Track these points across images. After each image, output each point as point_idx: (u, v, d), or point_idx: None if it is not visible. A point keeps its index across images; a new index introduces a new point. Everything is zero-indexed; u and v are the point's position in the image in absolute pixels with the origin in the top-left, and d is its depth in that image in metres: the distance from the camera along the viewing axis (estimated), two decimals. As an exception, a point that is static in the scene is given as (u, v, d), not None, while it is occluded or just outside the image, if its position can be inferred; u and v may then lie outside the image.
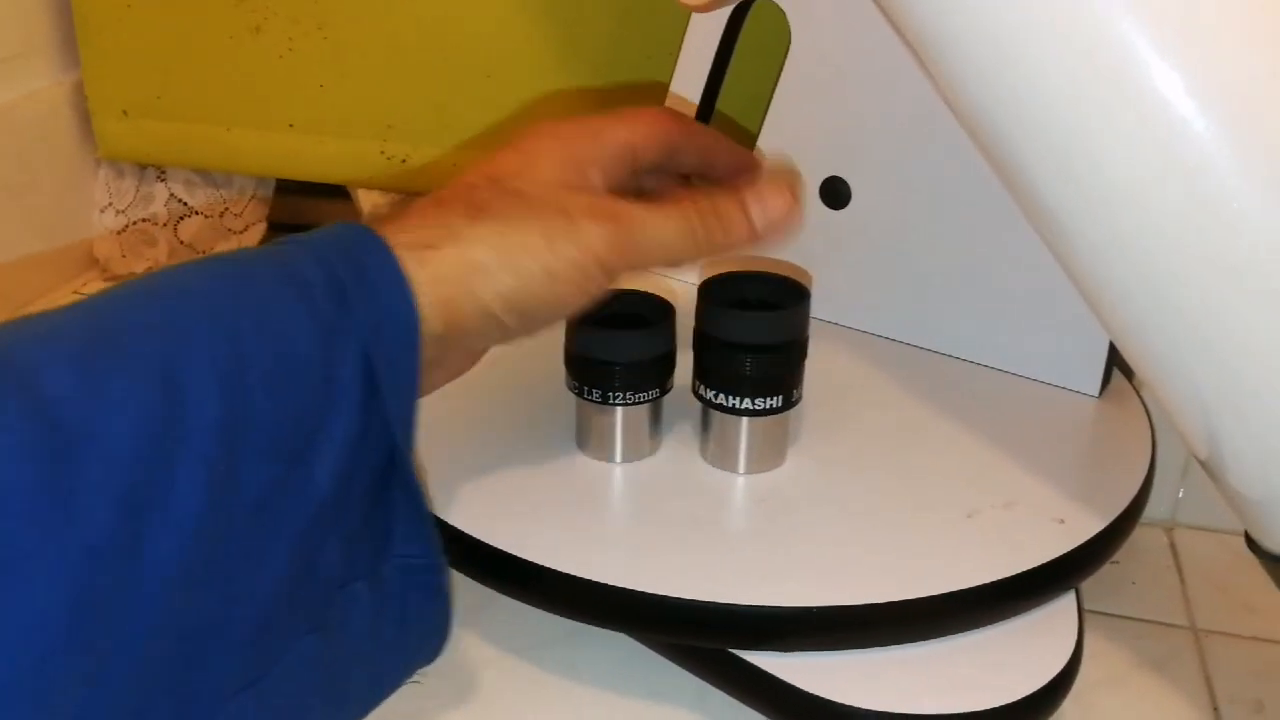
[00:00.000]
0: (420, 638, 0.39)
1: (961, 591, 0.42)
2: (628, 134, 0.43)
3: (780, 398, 0.46)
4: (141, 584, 0.29)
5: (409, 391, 0.36)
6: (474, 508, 0.45)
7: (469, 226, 0.38)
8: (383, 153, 0.72)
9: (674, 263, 0.42)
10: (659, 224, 0.40)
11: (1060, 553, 0.44)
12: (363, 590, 0.36)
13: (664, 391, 0.48)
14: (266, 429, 0.32)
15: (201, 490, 0.30)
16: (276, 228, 0.83)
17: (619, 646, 0.46)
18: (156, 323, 0.32)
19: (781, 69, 0.57)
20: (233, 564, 0.32)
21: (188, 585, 0.30)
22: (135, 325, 0.32)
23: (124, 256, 0.78)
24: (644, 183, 0.45)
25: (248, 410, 0.32)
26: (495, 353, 0.55)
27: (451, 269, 0.37)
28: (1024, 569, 0.43)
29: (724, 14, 0.58)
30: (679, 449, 0.49)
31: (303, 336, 0.33)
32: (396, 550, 0.37)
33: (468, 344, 0.40)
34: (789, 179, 0.44)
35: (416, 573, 0.38)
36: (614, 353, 0.46)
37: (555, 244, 0.38)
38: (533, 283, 0.38)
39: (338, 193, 0.78)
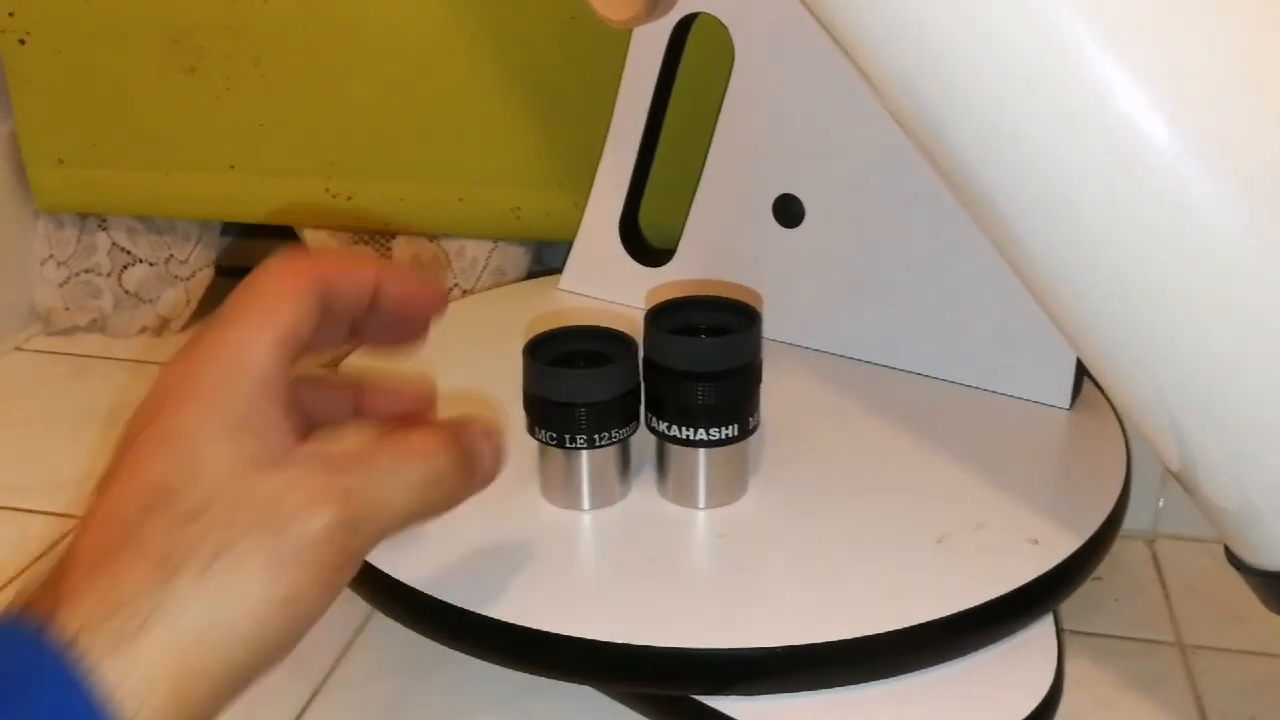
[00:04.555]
0: None
1: (932, 623, 0.40)
2: (272, 337, 0.32)
3: (736, 426, 0.44)
4: None
5: None
6: (425, 562, 0.43)
7: (163, 589, 0.28)
8: (327, 190, 0.70)
9: (418, 520, 0.34)
10: (399, 481, 0.32)
11: (1035, 575, 0.42)
12: None
13: (631, 431, 0.45)
14: None
15: None
16: (225, 272, 0.81)
17: (580, 697, 0.44)
18: None
19: (727, 86, 0.55)
20: None
21: None
22: None
23: (67, 309, 0.76)
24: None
25: None
26: (448, 392, 0.53)
27: (164, 657, 0.28)
28: (997, 595, 0.41)
29: (665, 33, 0.56)
30: (636, 487, 0.47)
31: None
32: None
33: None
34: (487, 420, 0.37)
35: None
36: (576, 393, 0.44)
37: (277, 574, 0.29)
38: (269, 626, 0.30)
39: (286, 234, 0.76)
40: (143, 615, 0.28)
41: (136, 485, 0.30)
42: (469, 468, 0.35)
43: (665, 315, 0.45)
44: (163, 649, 0.28)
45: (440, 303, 0.37)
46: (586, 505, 0.46)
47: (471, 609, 0.41)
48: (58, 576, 0.29)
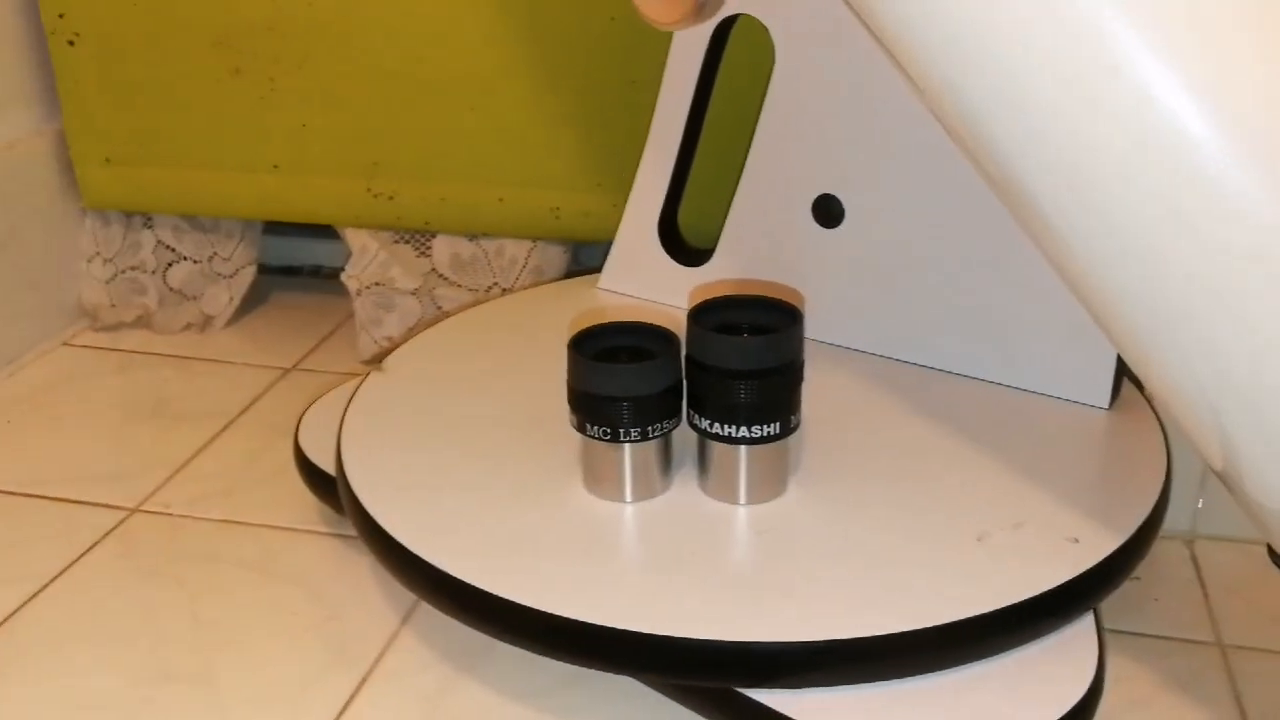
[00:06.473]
0: None
1: (973, 619, 0.40)
2: None
3: (778, 424, 0.44)
4: None
5: None
6: (470, 553, 0.44)
7: None
8: (369, 190, 0.71)
9: None
10: None
11: (1075, 574, 0.42)
12: None
13: (674, 425, 0.46)
14: None
15: None
16: (267, 270, 0.82)
17: (623, 689, 0.45)
18: None
19: (767, 87, 0.56)
20: None
21: None
22: None
23: (113, 306, 0.77)
24: None
25: None
26: (493, 387, 0.54)
27: None
28: (1037, 592, 0.41)
29: (706, 34, 0.57)
30: (677, 481, 0.48)
31: None
32: None
33: None
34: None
35: None
36: (620, 387, 0.44)
37: None
38: None
39: (328, 233, 0.77)
40: None
41: None
42: None
43: (708, 313, 0.45)
44: None
45: None
46: (629, 498, 0.46)
47: (515, 600, 0.42)
48: None
